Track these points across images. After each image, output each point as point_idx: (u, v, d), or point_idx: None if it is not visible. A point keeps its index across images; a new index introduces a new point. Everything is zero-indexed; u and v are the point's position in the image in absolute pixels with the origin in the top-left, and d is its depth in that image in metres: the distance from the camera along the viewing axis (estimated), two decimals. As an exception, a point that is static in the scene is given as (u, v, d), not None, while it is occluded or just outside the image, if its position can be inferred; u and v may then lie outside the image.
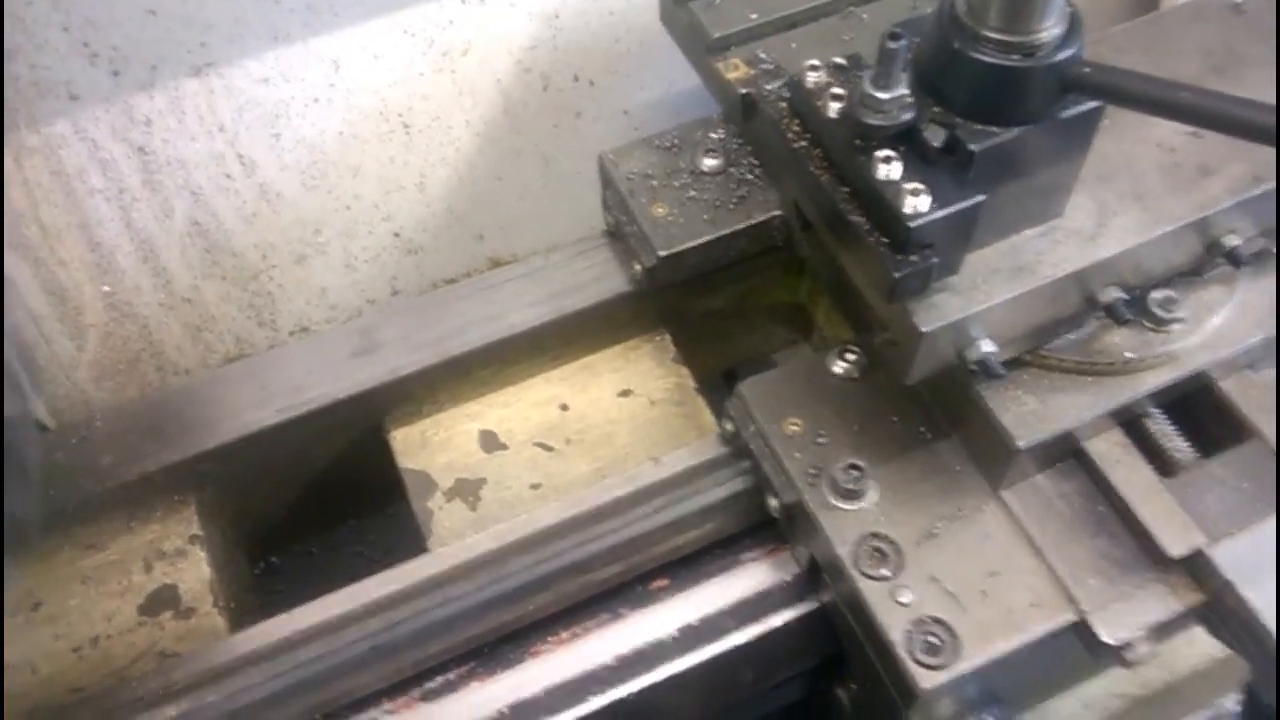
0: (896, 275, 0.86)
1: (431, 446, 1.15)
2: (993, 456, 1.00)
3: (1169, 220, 0.97)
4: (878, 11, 1.18)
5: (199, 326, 1.43)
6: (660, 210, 1.13)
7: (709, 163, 1.17)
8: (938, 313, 0.90)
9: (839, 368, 1.09)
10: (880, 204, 0.86)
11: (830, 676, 1.11)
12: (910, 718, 0.99)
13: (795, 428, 1.05)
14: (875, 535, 0.99)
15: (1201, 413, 1.04)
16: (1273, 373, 1.03)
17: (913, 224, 0.84)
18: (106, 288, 1.34)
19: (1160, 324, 1.00)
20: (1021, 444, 0.95)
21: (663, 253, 1.11)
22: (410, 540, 1.14)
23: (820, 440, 1.04)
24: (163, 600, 1.08)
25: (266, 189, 1.35)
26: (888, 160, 0.85)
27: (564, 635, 1.00)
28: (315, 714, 0.95)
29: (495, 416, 1.17)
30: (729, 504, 1.06)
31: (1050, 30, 0.82)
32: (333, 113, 1.32)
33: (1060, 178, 0.93)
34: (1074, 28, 0.84)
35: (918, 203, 0.84)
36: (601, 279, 1.19)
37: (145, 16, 1.16)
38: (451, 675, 0.97)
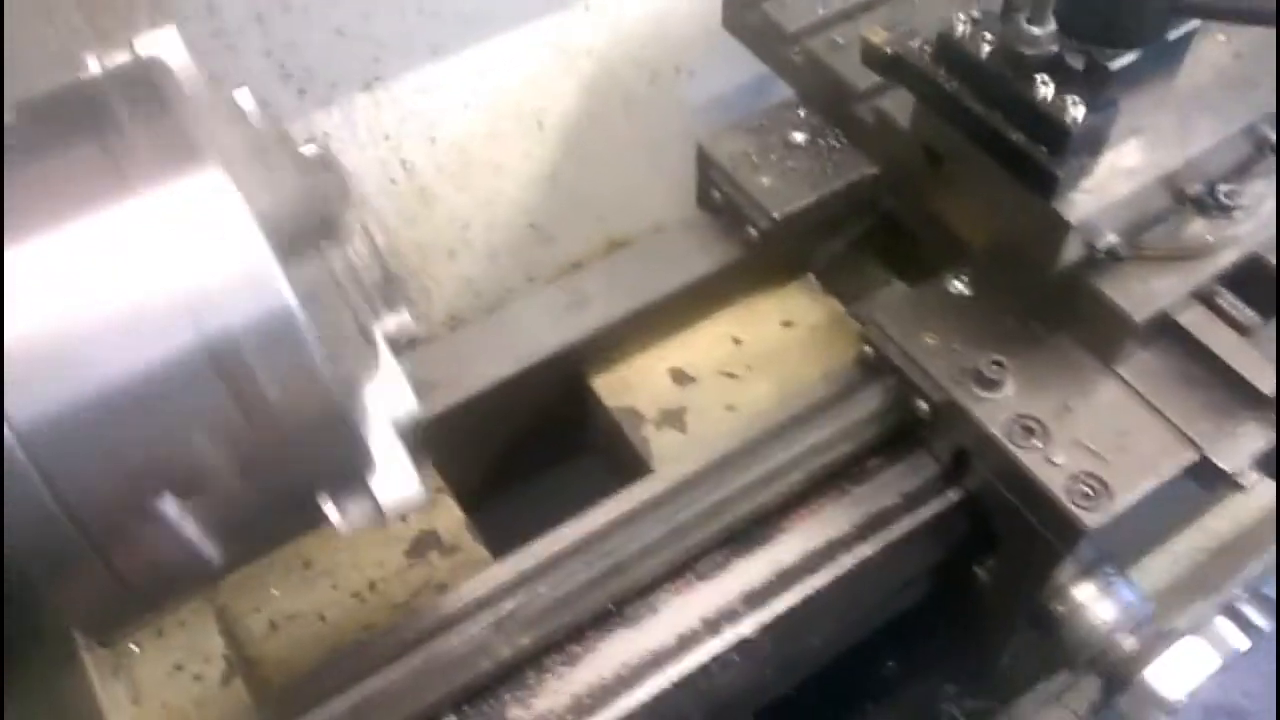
0: (1059, 174, 1.06)
1: (633, 388, 1.31)
2: (1107, 338, 1.20)
3: (1237, 122, 1.20)
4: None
5: (365, 321, 1.56)
6: (766, 180, 1.30)
7: (798, 136, 1.34)
8: (1080, 208, 1.11)
9: (954, 287, 1.27)
10: (1041, 118, 1.06)
11: (965, 562, 1.29)
12: (1059, 572, 1.19)
13: (932, 340, 1.23)
14: (1021, 415, 1.17)
15: (1257, 284, 1.26)
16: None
17: (1075, 130, 1.04)
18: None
19: (1227, 212, 1.21)
20: (1139, 319, 1.15)
21: (776, 215, 1.26)
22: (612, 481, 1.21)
23: (954, 348, 1.22)
24: (426, 543, 1.20)
25: (425, 191, 1.50)
26: (1045, 83, 1.06)
27: (803, 512, 1.18)
28: (609, 602, 1.10)
29: (679, 357, 1.33)
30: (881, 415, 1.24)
31: None
32: (479, 116, 1.48)
33: (1159, 91, 1.15)
34: None
35: (1076, 112, 1.04)
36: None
37: (334, 36, 1.30)
38: (718, 556, 1.13)
